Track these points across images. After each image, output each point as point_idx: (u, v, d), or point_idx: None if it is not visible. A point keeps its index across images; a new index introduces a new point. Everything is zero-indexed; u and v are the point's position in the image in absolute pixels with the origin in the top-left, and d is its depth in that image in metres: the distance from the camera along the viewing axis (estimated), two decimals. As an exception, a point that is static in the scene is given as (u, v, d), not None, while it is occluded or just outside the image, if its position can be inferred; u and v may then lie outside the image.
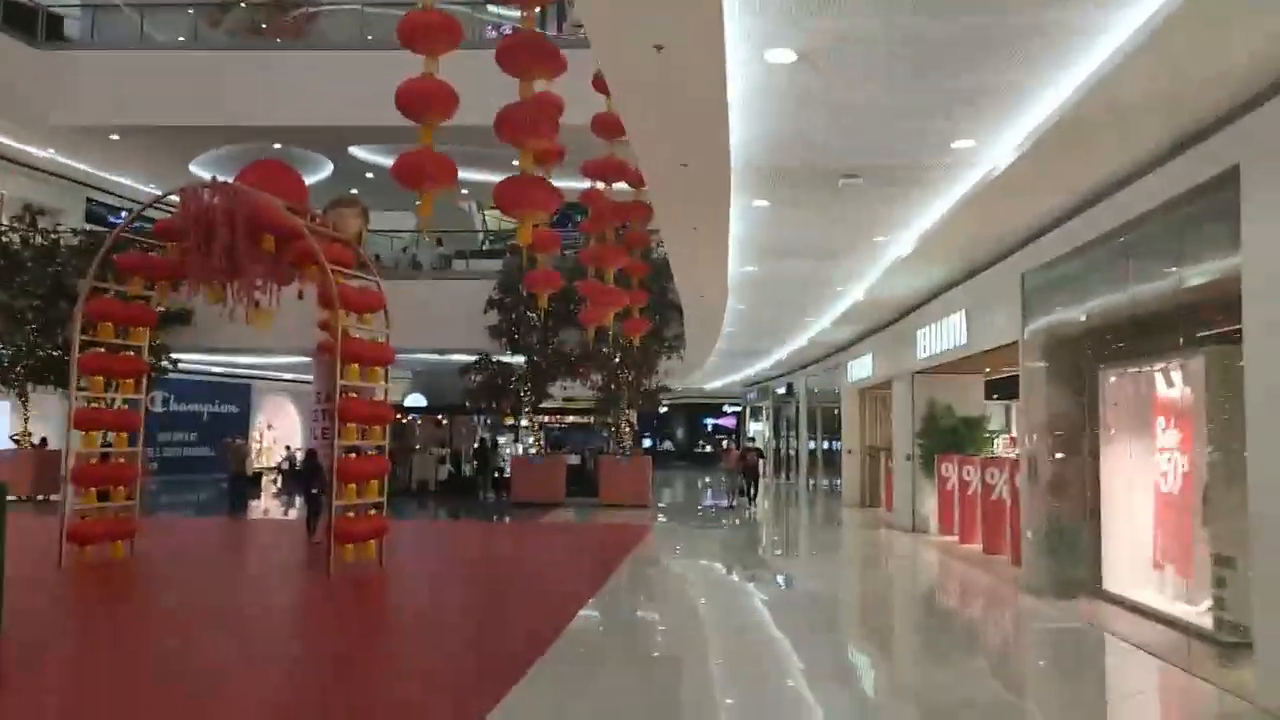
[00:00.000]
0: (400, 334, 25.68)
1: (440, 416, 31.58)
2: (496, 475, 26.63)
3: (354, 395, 11.82)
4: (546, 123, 8.29)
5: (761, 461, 24.93)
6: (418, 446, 28.88)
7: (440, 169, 7.96)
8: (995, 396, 20.07)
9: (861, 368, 22.10)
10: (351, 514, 11.75)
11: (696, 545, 17.51)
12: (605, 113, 11.02)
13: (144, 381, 13.32)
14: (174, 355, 24.99)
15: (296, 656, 8.16)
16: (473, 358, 24.40)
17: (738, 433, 50.25)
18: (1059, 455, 10.69)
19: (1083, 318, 9.85)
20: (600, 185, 12.37)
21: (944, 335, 14.64)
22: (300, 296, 12.66)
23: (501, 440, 28.89)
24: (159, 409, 35.11)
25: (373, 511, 12.15)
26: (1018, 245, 11.24)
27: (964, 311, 13.51)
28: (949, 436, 17.08)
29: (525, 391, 23.83)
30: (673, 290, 20.38)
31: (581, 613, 9.77)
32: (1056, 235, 10.09)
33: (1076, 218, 9.55)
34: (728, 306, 17.42)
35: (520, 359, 24.01)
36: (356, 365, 11.75)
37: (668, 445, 54.51)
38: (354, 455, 11.86)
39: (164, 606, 10.39)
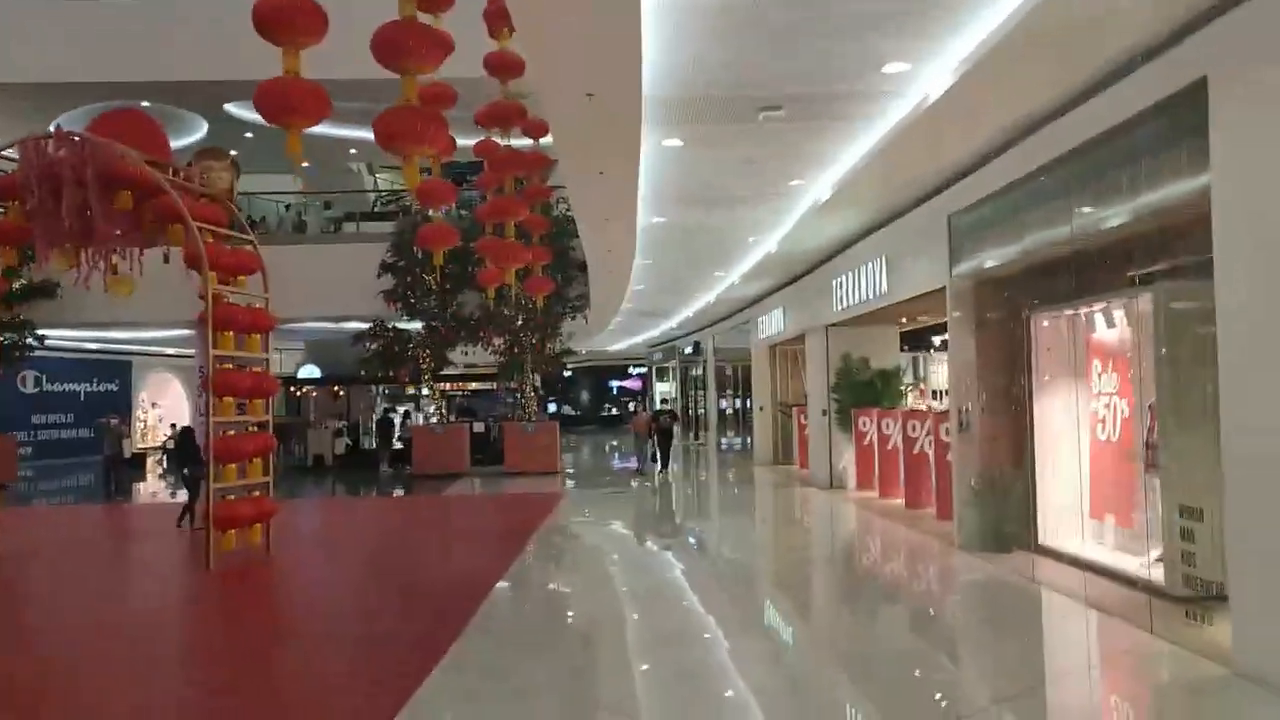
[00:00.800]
0: (289, 302, 24.41)
1: (337, 388, 30.19)
2: (398, 447, 25.45)
3: (230, 366, 10.68)
4: (431, 49, 7.08)
5: (675, 425, 23.13)
6: (312, 420, 27.49)
7: (309, 98, 6.59)
8: (905, 349, 19.79)
9: (772, 323, 21.57)
10: (232, 497, 10.65)
11: (609, 512, 16.76)
12: (499, 51, 10.03)
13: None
14: (40, 331, 23.07)
15: (166, 674, 7.12)
16: (366, 325, 23.15)
17: (644, 395, 49.73)
18: (990, 404, 10.21)
19: (1015, 259, 9.32)
20: (496, 137, 11.39)
21: (862, 285, 14.08)
22: (166, 260, 11.40)
23: (402, 410, 27.63)
24: (29, 389, 32.91)
25: (257, 493, 11.05)
26: (944, 185, 10.66)
27: (883, 259, 12.95)
28: (866, 390, 16.64)
29: (424, 358, 22.69)
30: (576, 249, 19.53)
31: (493, 592, 8.93)
32: (988, 172, 9.52)
33: (1012, 149, 8.97)
34: (635, 264, 16.61)
35: (417, 324, 22.84)
36: (231, 334, 10.59)
37: (573, 410, 53.70)
38: (233, 432, 10.73)
39: (6, 619, 9.20)
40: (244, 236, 11.39)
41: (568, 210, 19.73)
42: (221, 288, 10.65)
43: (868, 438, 16.36)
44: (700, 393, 34.73)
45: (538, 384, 27.19)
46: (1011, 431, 10.07)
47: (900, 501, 14.45)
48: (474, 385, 33.05)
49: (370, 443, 27.06)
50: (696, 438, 34.96)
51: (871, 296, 13.60)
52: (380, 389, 29.75)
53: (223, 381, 10.34)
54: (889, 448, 15.33)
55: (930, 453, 13.81)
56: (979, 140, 9.15)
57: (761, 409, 24.05)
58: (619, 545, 13.22)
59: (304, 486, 21.99)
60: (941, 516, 12.49)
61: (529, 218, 13.10)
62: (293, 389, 30.51)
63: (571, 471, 24.21)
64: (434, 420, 23.59)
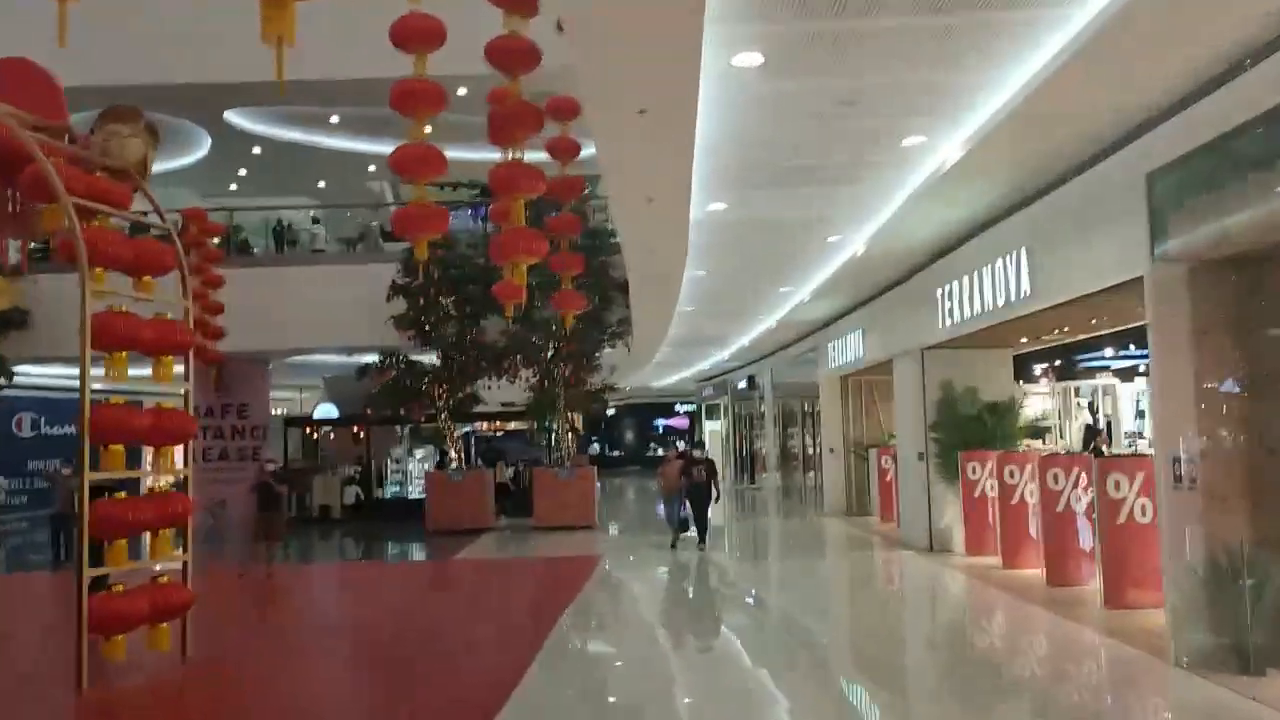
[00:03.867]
0: (302, 331, 21.73)
1: (357, 429, 27.14)
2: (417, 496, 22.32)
3: (119, 400, 7.59)
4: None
5: (715, 478, 15.61)
6: (323, 465, 24.51)
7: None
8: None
9: (846, 349, 18.22)
10: (121, 586, 7.49)
11: (657, 587, 13.40)
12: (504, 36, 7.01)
13: None
14: (14, 369, 20.37)
15: None
16: (375, 357, 20.14)
17: (691, 434, 46.40)
18: (1222, 447, 6.83)
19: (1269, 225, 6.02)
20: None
21: (986, 290, 10.74)
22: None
23: (419, 454, 24.51)
24: (25, 433, 30.33)
25: (164, 578, 7.89)
26: (1137, 131, 7.37)
27: (1022, 251, 9.61)
28: (975, 428, 13.25)
29: (440, 393, 19.57)
30: (617, 267, 16.46)
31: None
32: (1217, 103, 6.25)
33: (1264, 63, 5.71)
34: (685, 275, 13.42)
35: (432, 356, 19.77)
36: (124, 353, 7.53)
37: (617, 451, 50.47)
38: (123, 494, 7.59)
39: None
40: (158, 224, 8.35)
41: (608, 223, 16.70)
42: (115, 292, 7.60)
43: (980, 487, 12.95)
44: (755, 431, 31.34)
45: (577, 423, 24.01)
46: (1258, 488, 6.70)
47: (1037, 573, 11.02)
48: (513, 425, 29.85)
49: (388, 491, 23.98)
50: (752, 481, 31.50)
51: (1002, 303, 10.23)
52: (403, 430, 26.72)
53: (104, 421, 7.24)
54: (1013, 502, 11.92)
55: (1078, 511, 10.45)
56: (1201, 57, 5.93)
57: (832, 451, 20.64)
58: (666, 644, 9.93)
59: (299, 546, 18.88)
60: (1116, 603, 9.07)
61: (557, 208, 10.24)
62: (308, 430, 27.64)
63: (614, 525, 20.89)
64: (452, 466, 20.37)
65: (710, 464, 15.63)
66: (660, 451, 38.09)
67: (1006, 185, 9.18)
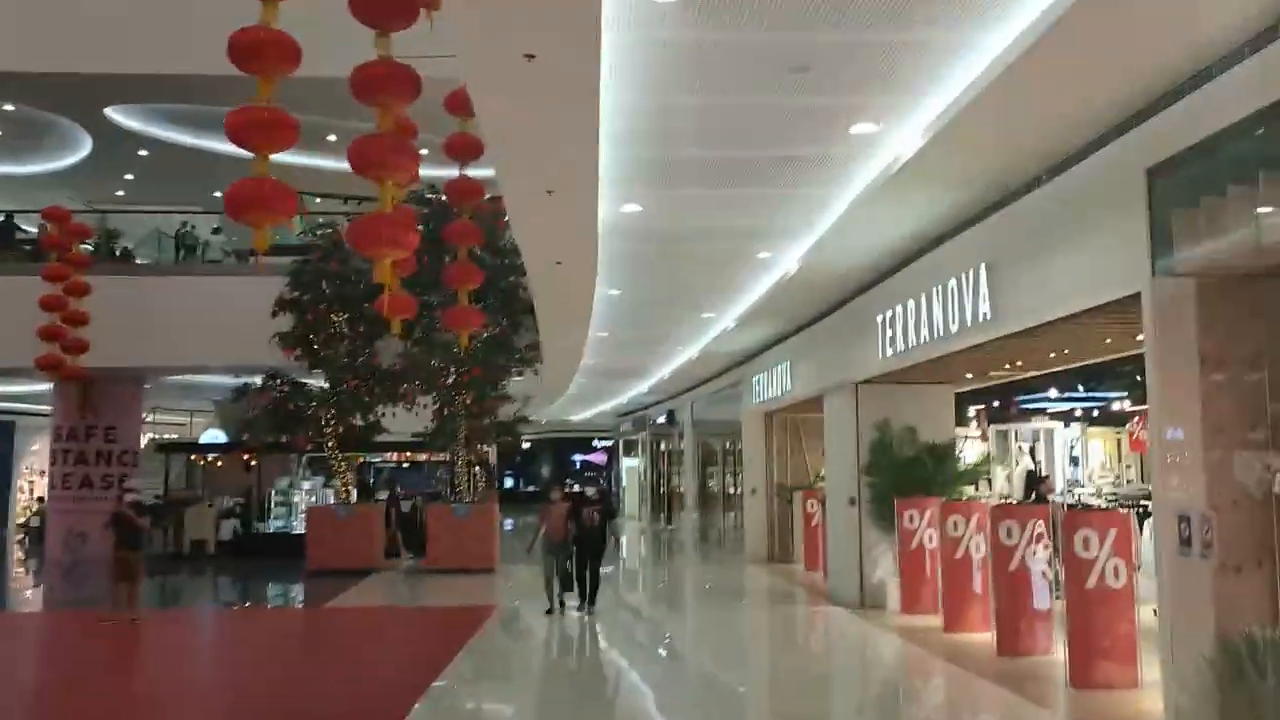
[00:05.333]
0: (181, 347, 19.70)
1: (246, 456, 24.85)
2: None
3: None
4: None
5: (612, 521, 13.28)
6: (199, 496, 22.36)
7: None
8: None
9: (772, 383, 16.90)
10: None
11: (551, 647, 11.71)
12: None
13: None
14: None
15: None
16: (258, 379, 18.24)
17: (609, 469, 44.89)
18: (1239, 508, 5.54)
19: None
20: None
21: (935, 314, 9.44)
22: None
23: (306, 486, 22.47)
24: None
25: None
26: (1135, 119, 6.11)
27: (981, 267, 8.32)
28: (914, 472, 11.96)
29: (327, 420, 17.71)
30: (527, 289, 14.96)
31: None
32: (1249, 77, 5.01)
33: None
34: (597, 292, 11.97)
35: (318, 379, 17.94)
36: None
37: (533, 487, 48.62)
38: None
39: None
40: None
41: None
42: None
43: (918, 538, 11.64)
44: (674, 469, 29.90)
45: (488, 457, 22.22)
46: (1282, 558, 5.41)
47: (985, 639, 9.67)
48: (424, 456, 27.84)
49: (271, 525, 21.88)
50: (668, 522, 30.02)
51: (955, 329, 8.92)
52: (300, 459, 24.59)
53: None
54: (958, 556, 10.60)
55: (1031, 570, 9.18)
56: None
57: (754, 492, 19.27)
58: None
59: (161, 587, 16.80)
60: (1084, 681, 7.74)
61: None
62: (194, 458, 25.33)
63: (517, 568, 19.14)
64: (338, 500, 18.45)
65: (607, 502, 13.40)
66: (578, 487, 35.92)
67: (969, 187, 7.88)
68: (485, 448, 22.48)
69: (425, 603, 14.66)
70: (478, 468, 19.59)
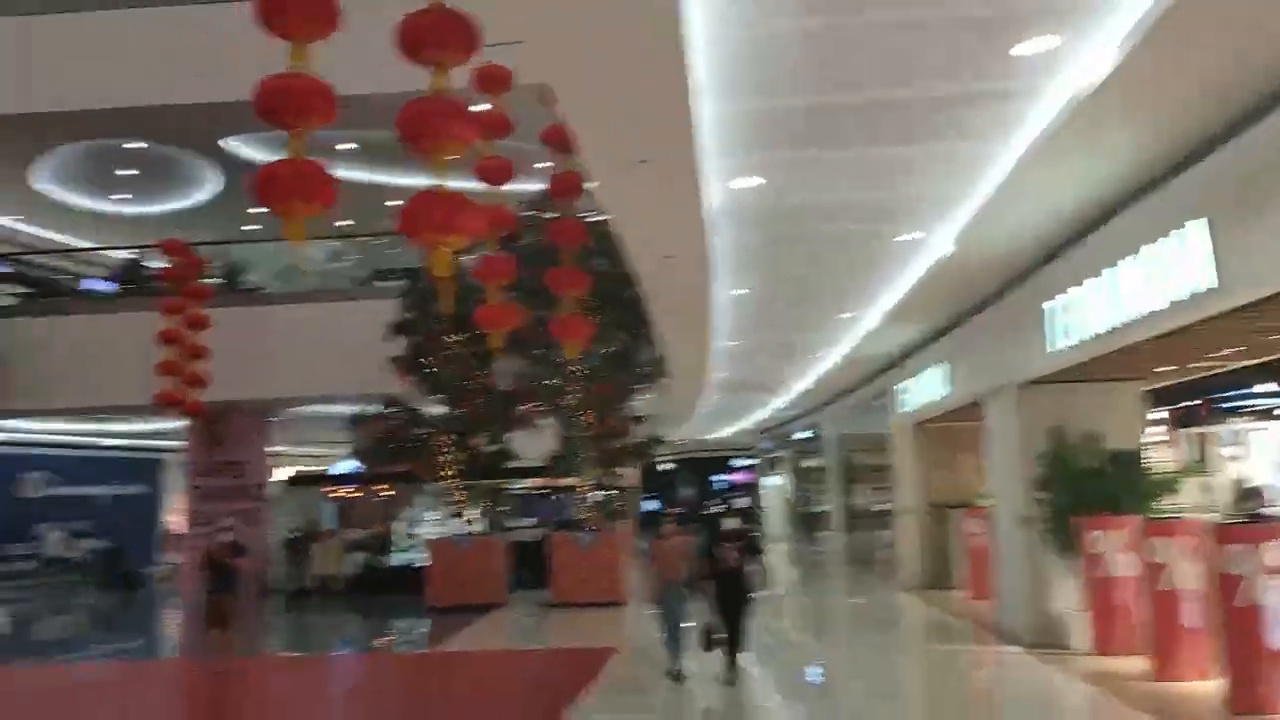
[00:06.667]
0: (297, 378, 19.24)
1: (380, 487, 24.31)
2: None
3: None
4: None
5: (755, 558, 10.74)
6: (328, 530, 21.90)
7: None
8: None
9: (921, 389, 15.17)
10: None
11: (675, 696, 10.07)
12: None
13: None
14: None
15: None
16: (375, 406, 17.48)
17: (753, 490, 43.22)
18: None
19: None
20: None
21: (1125, 292, 7.70)
22: None
23: (430, 516, 21.74)
24: (35, 493, 28.16)
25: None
26: None
27: (1200, 224, 6.54)
28: (1096, 485, 10.11)
29: (446, 446, 16.82)
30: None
31: None
32: None
33: None
34: (720, 293, 10.61)
35: (439, 405, 17.04)
36: None
37: (675, 509, 47.20)
38: None
39: None
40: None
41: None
42: None
43: (1107, 564, 9.79)
44: (817, 487, 28.14)
45: (622, 480, 21.01)
46: None
47: (1209, 689, 7.82)
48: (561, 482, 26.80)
49: (397, 558, 21.20)
50: (812, 544, 28.23)
51: (1161, 307, 7.13)
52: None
53: None
54: (1163, 587, 8.74)
55: (1270, 604, 7.31)
56: None
57: (906, 511, 17.46)
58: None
59: (270, 627, 16.11)
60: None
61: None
62: (324, 490, 25.03)
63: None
64: (462, 533, 17.48)
65: (750, 539, 10.27)
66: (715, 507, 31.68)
67: (1180, 117, 6.16)
68: (619, 471, 21.38)
69: (540, 644, 13.50)
70: (609, 493, 18.42)
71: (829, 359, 16.63)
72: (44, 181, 20.79)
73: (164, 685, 11.53)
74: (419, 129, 5.81)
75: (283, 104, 5.67)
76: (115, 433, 28.19)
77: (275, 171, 5.72)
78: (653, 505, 41.73)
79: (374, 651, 14.62)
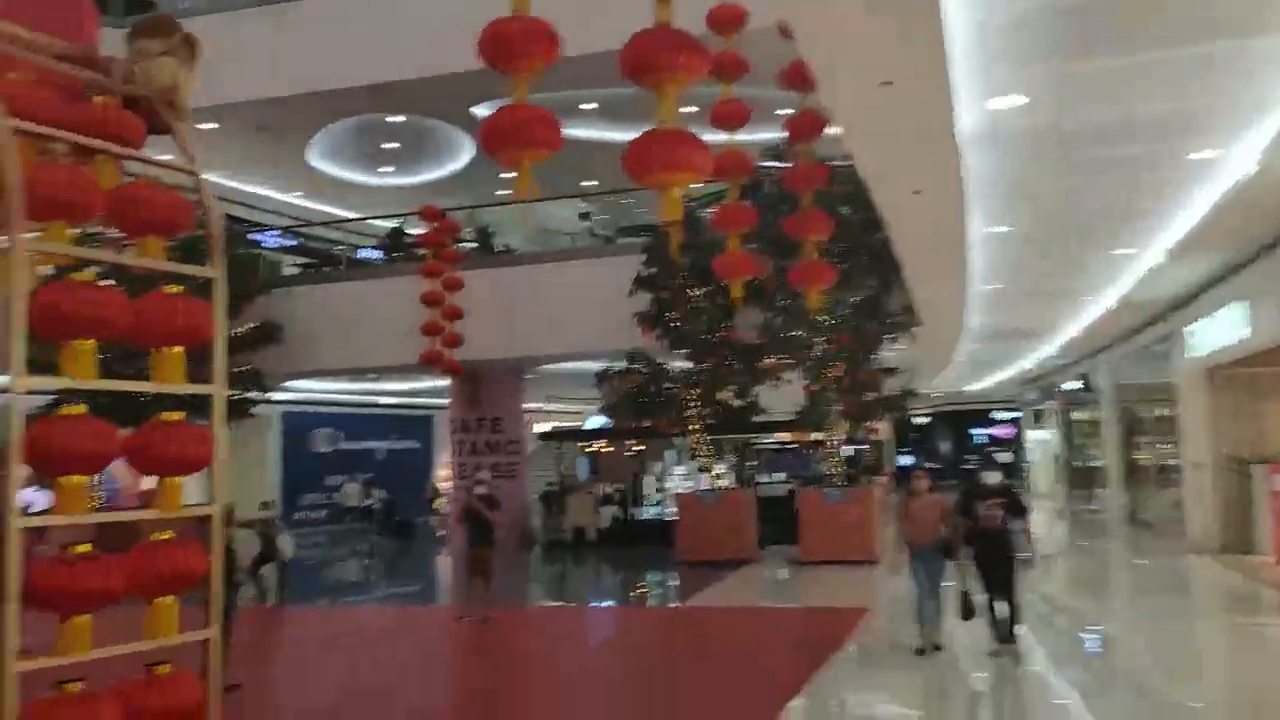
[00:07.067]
0: (547, 335, 19.69)
1: (630, 442, 24.68)
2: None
3: (78, 409, 5.21)
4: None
5: (1021, 517, 8.89)
6: (571, 485, 22.53)
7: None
8: None
9: (1220, 330, 13.49)
10: (76, 686, 5.09)
11: (922, 669, 8.84)
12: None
13: None
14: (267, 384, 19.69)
15: None
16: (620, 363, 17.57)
17: (1016, 446, 40.88)
18: None
19: None
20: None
21: None
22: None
23: (680, 470, 21.78)
24: (326, 448, 30.73)
25: (163, 668, 5.44)
26: None
27: None
28: None
29: (691, 401, 16.68)
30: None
31: None
32: None
33: None
34: (977, 230, 9.72)
35: (683, 359, 16.90)
36: (91, 342, 5.15)
37: (932, 465, 45.43)
38: (86, 549, 5.20)
39: None
40: (180, 166, 5.99)
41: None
42: (64, 248, 5.27)
43: None
44: (1092, 441, 26.07)
45: (875, 435, 20.26)
46: None
47: None
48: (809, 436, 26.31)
49: (648, 511, 21.46)
50: (1088, 502, 26.22)
51: None
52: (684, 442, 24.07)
53: (46, 439, 4.90)
54: None
55: None
56: None
57: (1197, 466, 15.73)
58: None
59: (528, 577, 16.61)
60: None
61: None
62: (581, 445, 25.76)
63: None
64: (705, 487, 17.36)
65: (1013, 495, 8.95)
66: (973, 465, 29.65)
67: None
68: (872, 424, 20.59)
69: (790, 603, 13.14)
70: (859, 448, 17.79)
71: (1102, 302, 15.12)
72: (318, 159, 22.13)
73: (435, 631, 12.06)
74: (644, 62, 5.52)
75: (503, 48, 5.52)
76: (391, 391, 30.20)
77: (498, 120, 5.60)
78: (907, 460, 40.46)
79: (628, 605, 14.77)
